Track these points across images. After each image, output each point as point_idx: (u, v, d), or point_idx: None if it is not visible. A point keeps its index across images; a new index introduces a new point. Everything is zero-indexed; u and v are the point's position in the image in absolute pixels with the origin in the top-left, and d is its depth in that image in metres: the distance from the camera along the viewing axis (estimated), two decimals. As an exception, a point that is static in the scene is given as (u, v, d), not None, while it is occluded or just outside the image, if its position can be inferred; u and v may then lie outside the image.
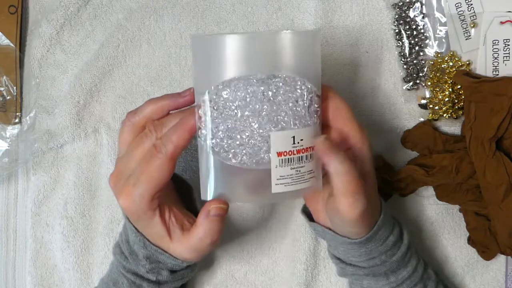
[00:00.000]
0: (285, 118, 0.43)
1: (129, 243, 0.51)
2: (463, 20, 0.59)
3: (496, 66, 0.59)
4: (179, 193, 0.54)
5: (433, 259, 0.61)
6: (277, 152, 0.43)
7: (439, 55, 0.60)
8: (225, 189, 0.45)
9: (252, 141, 0.43)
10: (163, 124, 0.47)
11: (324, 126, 0.48)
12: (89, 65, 0.62)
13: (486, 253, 0.59)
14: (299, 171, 0.44)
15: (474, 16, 0.59)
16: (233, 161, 0.44)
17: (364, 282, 0.53)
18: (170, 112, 0.49)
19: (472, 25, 0.59)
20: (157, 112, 0.48)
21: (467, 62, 0.59)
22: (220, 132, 0.44)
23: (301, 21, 0.61)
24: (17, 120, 0.61)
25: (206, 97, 0.44)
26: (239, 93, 0.43)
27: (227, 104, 0.43)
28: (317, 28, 0.60)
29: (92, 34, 0.62)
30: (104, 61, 0.62)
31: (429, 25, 0.60)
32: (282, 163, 0.43)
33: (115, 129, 0.61)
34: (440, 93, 0.60)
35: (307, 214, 0.54)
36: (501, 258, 0.61)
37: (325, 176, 0.48)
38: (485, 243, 0.58)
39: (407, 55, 0.61)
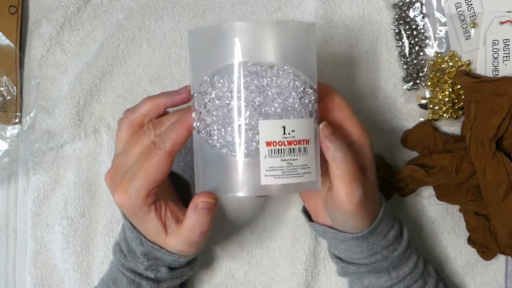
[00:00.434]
0: (278, 110, 0.43)
1: (127, 241, 0.52)
2: (463, 20, 0.59)
3: (496, 66, 0.59)
4: (178, 191, 0.54)
5: (433, 259, 0.61)
6: (266, 142, 0.43)
7: (439, 55, 0.60)
8: (216, 181, 0.45)
9: (244, 132, 0.43)
10: (162, 122, 0.48)
11: None
12: (89, 65, 0.62)
13: (486, 253, 0.59)
14: (291, 163, 0.43)
15: (474, 16, 0.59)
16: (224, 151, 0.44)
17: (365, 280, 0.53)
18: (167, 109, 0.49)
19: (472, 25, 0.59)
20: (153, 109, 0.49)
21: (467, 62, 0.59)
22: (213, 124, 0.44)
23: (299, 20, 0.61)
24: (17, 120, 0.62)
25: (200, 89, 0.45)
26: (232, 85, 0.43)
27: (220, 95, 0.44)
28: (312, 22, 0.60)
29: (92, 34, 0.62)
30: (104, 61, 0.62)
31: (429, 25, 0.60)
32: (271, 153, 0.43)
33: (115, 129, 0.61)
34: (440, 93, 0.60)
35: (307, 214, 0.54)
36: (501, 258, 0.61)
37: (324, 175, 0.48)
38: (485, 243, 0.58)
39: (407, 55, 0.61)
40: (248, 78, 0.43)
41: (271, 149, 0.43)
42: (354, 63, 0.62)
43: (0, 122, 0.61)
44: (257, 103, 0.43)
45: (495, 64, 0.59)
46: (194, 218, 0.47)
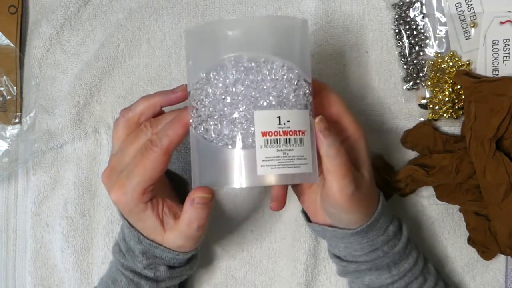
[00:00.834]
0: (273, 102, 0.44)
1: (126, 240, 0.52)
2: (463, 20, 0.59)
3: (496, 66, 0.59)
4: (176, 190, 0.55)
5: (433, 259, 0.61)
6: (261, 132, 0.43)
7: (439, 55, 0.60)
8: (213, 175, 0.45)
9: (240, 125, 0.44)
10: (158, 121, 0.48)
11: None
12: (89, 65, 0.62)
13: (486, 253, 0.59)
14: (287, 154, 0.44)
15: (474, 16, 0.59)
16: (220, 144, 0.44)
17: (365, 278, 0.53)
18: (163, 108, 0.50)
19: (472, 25, 0.59)
20: (149, 108, 0.49)
21: (467, 62, 0.59)
22: (210, 119, 0.44)
23: (292, 16, 0.61)
24: (17, 120, 0.62)
25: (196, 85, 0.45)
26: (227, 80, 0.44)
27: (215, 90, 0.44)
28: (304, 19, 0.61)
29: (92, 34, 0.62)
30: (104, 61, 0.62)
31: (429, 25, 0.60)
32: (267, 143, 0.43)
33: (115, 129, 0.61)
34: (440, 93, 0.60)
35: (307, 214, 0.54)
36: (501, 258, 0.61)
37: (321, 174, 0.48)
38: (485, 243, 0.58)
39: (407, 55, 0.61)
40: (242, 73, 0.44)
41: (267, 139, 0.43)
42: (354, 63, 0.62)
43: (0, 122, 0.61)
44: (252, 97, 0.43)
45: (495, 64, 0.59)
46: (191, 213, 0.47)
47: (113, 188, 0.47)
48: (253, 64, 0.44)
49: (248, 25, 0.45)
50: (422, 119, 0.61)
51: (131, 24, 0.62)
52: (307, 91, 0.46)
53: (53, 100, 0.62)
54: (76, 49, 0.62)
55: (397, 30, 0.61)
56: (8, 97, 0.61)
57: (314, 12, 0.61)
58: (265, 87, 0.44)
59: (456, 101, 0.59)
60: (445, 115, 0.59)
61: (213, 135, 0.44)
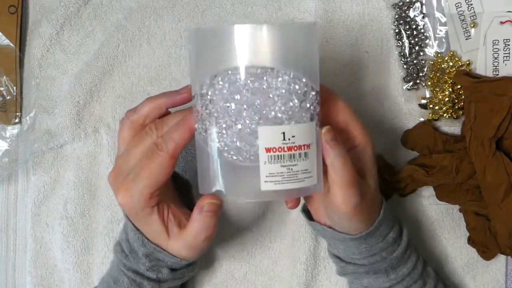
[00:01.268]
0: (278, 114, 0.43)
1: (129, 242, 0.51)
2: (463, 20, 0.59)
3: (496, 66, 0.59)
4: (178, 191, 0.54)
5: (433, 259, 0.61)
6: (265, 148, 0.43)
7: (439, 55, 0.60)
8: (218, 184, 0.45)
9: (244, 136, 0.43)
10: (164, 123, 0.48)
11: None
12: (89, 65, 0.62)
13: (486, 253, 0.59)
14: (291, 169, 0.43)
15: (474, 16, 0.59)
16: (226, 155, 0.44)
17: (364, 280, 0.53)
18: (168, 109, 0.49)
19: (472, 25, 0.59)
20: (155, 110, 0.49)
21: (467, 62, 0.59)
22: (214, 126, 0.44)
23: (301, 21, 0.61)
24: (17, 120, 0.61)
25: (201, 90, 0.44)
26: (232, 87, 0.43)
27: (220, 97, 0.43)
28: (313, 21, 0.60)
29: (92, 34, 0.62)
30: (104, 61, 0.62)
31: (429, 25, 0.60)
32: (271, 159, 0.43)
33: (115, 129, 0.61)
34: (440, 93, 0.60)
35: (307, 213, 0.54)
36: (501, 258, 0.61)
37: (324, 176, 0.48)
38: (485, 243, 0.58)
39: (407, 55, 0.61)
40: (248, 81, 0.42)
41: (271, 156, 0.43)
42: (354, 63, 0.62)
43: (0, 122, 0.61)
44: (257, 107, 0.43)
45: (495, 64, 0.59)
46: (199, 221, 0.47)
47: (120, 190, 0.47)
48: (259, 72, 0.42)
49: (255, 32, 0.43)
50: (422, 119, 0.61)
51: (131, 24, 0.62)
52: (315, 100, 0.45)
53: (53, 100, 0.62)
54: (76, 49, 0.62)
55: (397, 30, 0.61)
56: (8, 97, 0.61)
57: (314, 12, 0.61)
58: (270, 96, 0.43)
59: (456, 101, 0.59)
60: (445, 115, 0.59)
61: (218, 143, 0.44)
